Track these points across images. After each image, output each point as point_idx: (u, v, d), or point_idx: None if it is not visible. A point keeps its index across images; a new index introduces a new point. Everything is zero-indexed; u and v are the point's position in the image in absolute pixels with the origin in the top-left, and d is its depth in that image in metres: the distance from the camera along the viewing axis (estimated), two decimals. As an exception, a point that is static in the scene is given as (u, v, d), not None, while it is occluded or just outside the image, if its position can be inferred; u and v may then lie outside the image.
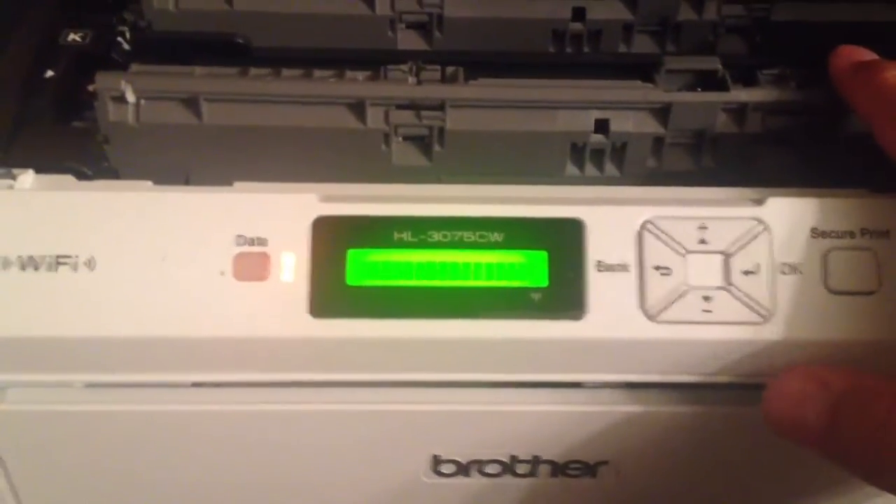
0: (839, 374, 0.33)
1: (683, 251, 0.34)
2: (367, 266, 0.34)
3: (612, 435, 0.38)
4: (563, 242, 0.35)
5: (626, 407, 0.37)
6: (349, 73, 0.40)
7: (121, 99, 0.37)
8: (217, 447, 0.38)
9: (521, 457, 0.39)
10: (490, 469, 0.40)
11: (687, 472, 0.40)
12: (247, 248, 0.34)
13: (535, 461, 0.39)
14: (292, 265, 0.34)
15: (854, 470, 0.33)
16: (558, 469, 0.40)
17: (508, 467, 0.40)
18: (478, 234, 0.35)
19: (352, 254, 0.34)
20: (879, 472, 0.32)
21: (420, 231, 0.35)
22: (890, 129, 0.34)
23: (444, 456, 0.39)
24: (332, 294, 0.34)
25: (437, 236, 0.35)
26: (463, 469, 0.40)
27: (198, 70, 0.39)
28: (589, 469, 0.40)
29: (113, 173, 0.38)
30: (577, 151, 0.39)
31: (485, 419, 0.38)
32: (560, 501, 0.41)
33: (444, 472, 0.40)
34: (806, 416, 0.33)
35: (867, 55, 0.37)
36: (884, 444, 0.31)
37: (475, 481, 0.40)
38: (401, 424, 0.38)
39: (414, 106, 0.37)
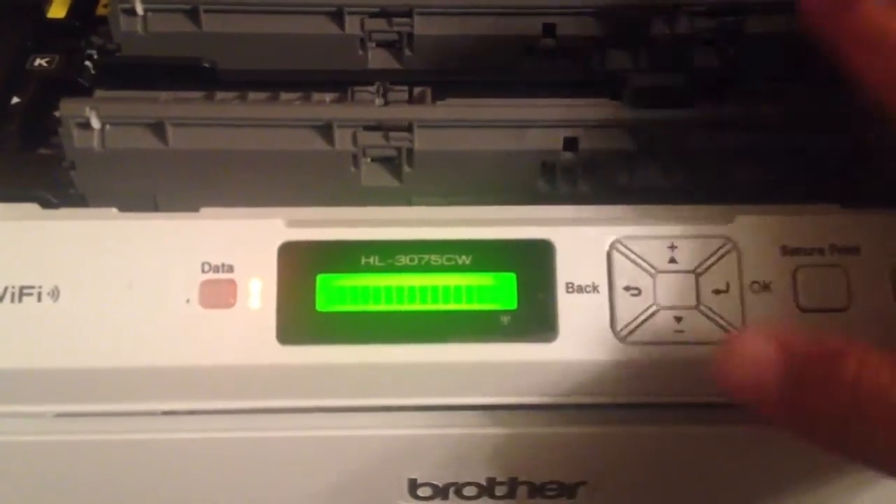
0: (800, 336, 0.31)
1: (653, 271, 0.34)
2: (335, 291, 0.34)
3: (589, 455, 0.38)
4: (532, 264, 0.34)
5: (601, 428, 0.37)
6: (316, 96, 0.39)
7: (86, 125, 0.37)
8: (189, 475, 0.38)
9: (499, 479, 0.39)
10: (468, 492, 0.39)
11: (664, 492, 0.40)
12: (213, 276, 0.34)
13: (513, 483, 0.39)
14: (259, 292, 0.34)
15: (819, 439, 0.30)
16: (536, 490, 0.39)
17: (486, 489, 0.39)
18: (445, 257, 0.34)
19: (321, 279, 0.34)
20: (847, 439, 0.29)
21: (388, 255, 0.34)
22: (871, 61, 0.32)
23: (421, 479, 0.39)
24: (300, 320, 0.34)
25: (404, 260, 0.34)
26: (440, 492, 0.39)
27: (163, 95, 0.39)
28: (567, 490, 0.39)
29: (80, 199, 0.38)
30: (548, 170, 0.38)
31: (460, 442, 0.38)
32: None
33: (422, 495, 0.39)
34: (765, 380, 0.31)
35: None
36: (853, 408, 0.29)
37: (453, 504, 0.40)
38: (376, 449, 0.38)
39: (381, 127, 0.37)
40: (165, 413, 0.36)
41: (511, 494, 0.39)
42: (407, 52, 0.42)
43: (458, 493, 0.39)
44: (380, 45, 0.43)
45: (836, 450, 0.30)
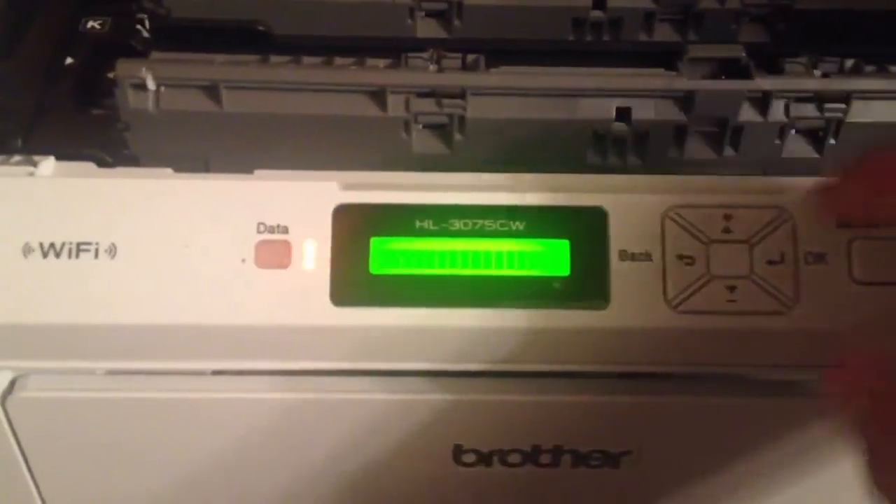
0: None
1: (707, 240, 0.34)
2: (389, 254, 0.34)
3: (636, 425, 0.38)
4: (585, 231, 0.35)
5: (650, 397, 0.37)
6: (370, 61, 0.39)
7: (141, 86, 0.37)
8: (238, 435, 0.38)
9: (544, 447, 0.39)
10: (512, 459, 0.39)
11: (710, 462, 0.40)
12: (268, 236, 0.34)
13: (558, 451, 0.39)
14: (314, 253, 0.34)
15: None
16: (581, 459, 0.39)
17: (531, 457, 0.39)
18: (499, 222, 0.35)
19: (375, 242, 0.34)
20: None
21: (442, 219, 0.35)
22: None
23: (467, 446, 0.39)
24: (354, 282, 0.34)
25: (458, 224, 0.35)
26: (485, 459, 0.39)
27: (218, 58, 0.39)
28: (611, 459, 0.39)
29: (133, 160, 0.38)
30: (599, 140, 0.38)
31: (507, 409, 0.38)
32: (582, 491, 0.41)
33: (466, 461, 0.40)
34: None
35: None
36: None
37: (497, 471, 0.40)
38: (423, 414, 0.38)
39: (435, 94, 0.37)
40: (216, 373, 0.37)
41: (555, 463, 0.39)
42: (456, 22, 0.42)
43: (503, 460, 0.39)
44: (429, 14, 0.43)
45: None
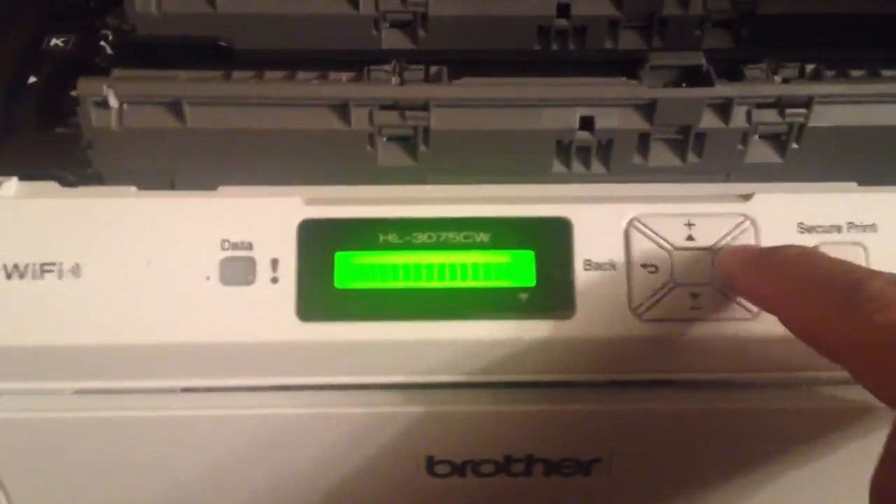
0: None
1: (671, 248, 0.34)
2: (354, 269, 0.34)
3: (605, 433, 0.38)
4: (550, 242, 0.35)
5: (618, 405, 0.37)
6: (333, 75, 0.39)
7: (103, 104, 0.37)
8: (208, 452, 0.38)
9: (516, 456, 0.39)
10: (485, 469, 0.39)
11: (679, 469, 0.40)
12: (232, 253, 0.34)
13: (530, 460, 0.39)
14: (278, 269, 0.34)
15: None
16: (552, 468, 0.39)
17: (503, 467, 0.39)
18: (463, 234, 0.35)
19: (339, 256, 0.34)
20: None
21: (406, 233, 0.35)
22: (802, 309, 0.30)
23: (439, 457, 0.39)
24: (319, 297, 0.34)
25: (422, 238, 0.35)
26: (458, 469, 0.39)
27: (181, 74, 0.39)
28: (582, 467, 0.39)
29: (97, 179, 0.38)
30: (563, 149, 0.38)
31: (478, 420, 0.38)
32: (555, 499, 0.41)
33: (439, 472, 0.40)
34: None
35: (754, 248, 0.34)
36: None
37: (471, 481, 0.40)
38: (393, 427, 0.38)
39: (398, 106, 0.37)
40: (185, 390, 0.37)
41: (528, 472, 0.39)
42: (421, 33, 0.42)
43: (476, 470, 0.39)
44: (394, 25, 0.43)
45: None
